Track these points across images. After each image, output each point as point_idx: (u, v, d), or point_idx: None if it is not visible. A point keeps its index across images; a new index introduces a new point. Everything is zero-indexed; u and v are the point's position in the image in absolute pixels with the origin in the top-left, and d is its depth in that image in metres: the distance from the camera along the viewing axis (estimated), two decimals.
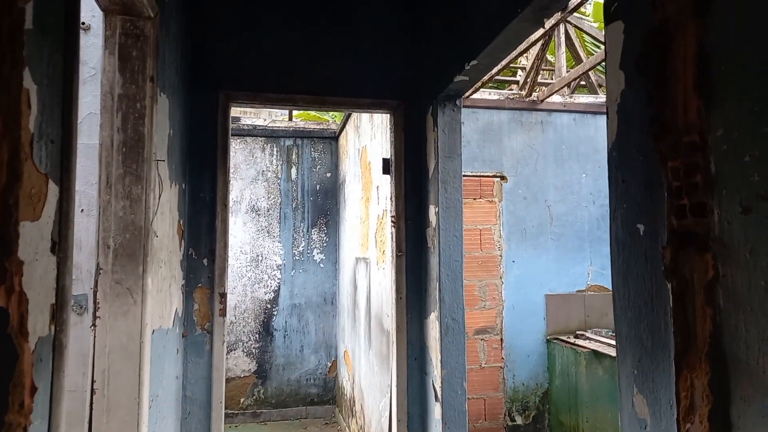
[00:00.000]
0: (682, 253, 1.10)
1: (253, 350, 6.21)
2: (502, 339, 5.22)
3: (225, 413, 6.03)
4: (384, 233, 3.99)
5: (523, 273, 5.31)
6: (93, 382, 1.69)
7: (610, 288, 4.97)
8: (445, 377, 2.69)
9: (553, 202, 5.46)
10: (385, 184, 3.98)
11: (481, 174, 5.36)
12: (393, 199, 3.00)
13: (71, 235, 1.06)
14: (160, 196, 1.98)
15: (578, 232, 5.47)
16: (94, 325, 1.71)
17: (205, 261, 2.73)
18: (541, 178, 5.45)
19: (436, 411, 2.74)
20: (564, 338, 5.18)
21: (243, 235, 6.31)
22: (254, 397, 6.17)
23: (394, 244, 2.94)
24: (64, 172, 1.05)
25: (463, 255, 2.74)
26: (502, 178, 5.38)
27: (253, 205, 6.37)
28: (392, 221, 2.99)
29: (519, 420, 5.24)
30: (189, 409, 2.66)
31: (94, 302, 1.72)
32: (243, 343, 6.19)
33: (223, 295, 2.74)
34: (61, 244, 1.02)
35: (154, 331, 1.99)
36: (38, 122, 0.94)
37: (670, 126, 1.13)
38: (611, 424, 4.75)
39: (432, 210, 2.83)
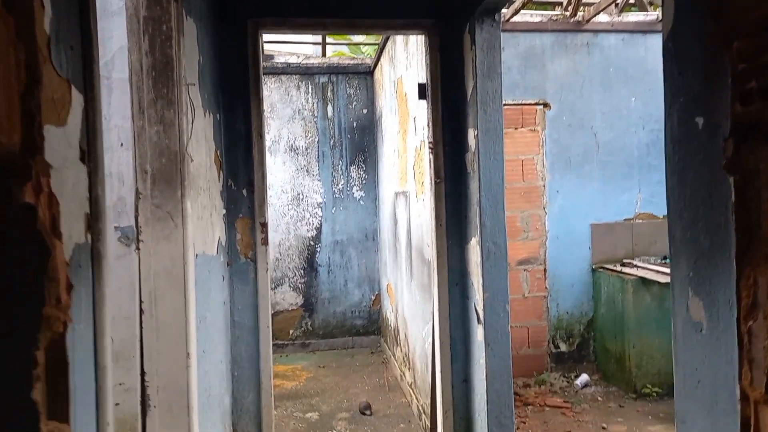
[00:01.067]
0: (747, 143, 1.00)
1: (299, 285, 6.37)
2: (545, 269, 5.17)
3: (275, 343, 6.30)
4: (422, 165, 3.92)
5: (568, 203, 5.17)
6: (141, 303, 1.74)
7: (660, 215, 4.79)
8: (487, 300, 2.67)
9: (600, 128, 5.23)
10: (422, 114, 3.88)
11: (523, 102, 5.15)
12: (430, 125, 2.91)
13: (100, 146, 1.05)
14: (193, 122, 1.96)
15: (626, 159, 5.26)
16: (137, 248, 1.74)
17: (244, 192, 2.75)
18: (587, 104, 5.21)
19: (478, 333, 2.75)
20: (610, 267, 5.08)
21: (283, 174, 6.35)
22: (302, 329, 6.39)
23: (433, 171, 2.88)
24: (87, 81, 1.02)
25: (503, 179, 2.66)
26: (545, 105, 5.17)
27: (291, 144, 6.37)
28: (430, 148, 2.92)
29: (563, 347, 5.25)
30: (238, 333, 2.74)
31: (136, 227, 1.75)
32: (289, 279, 6.35)
33: (264, 225, 2.76)
34: (90, 153, 1.01)
35: (197, 255, 2.02)
36: (54, 25, 0.90)
37: (735, 1, 1.01)
38: (658, 349, 4.70)
39: (471, 134, 2.74)
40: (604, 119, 5.21)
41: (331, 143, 6.42)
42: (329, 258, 6.42)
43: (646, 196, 5.28)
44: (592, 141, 5.20)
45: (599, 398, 4.73)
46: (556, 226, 5.16)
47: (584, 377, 5.04)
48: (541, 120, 5.14)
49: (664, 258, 5.13)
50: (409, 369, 4.71)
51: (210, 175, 2.35)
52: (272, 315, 6.38)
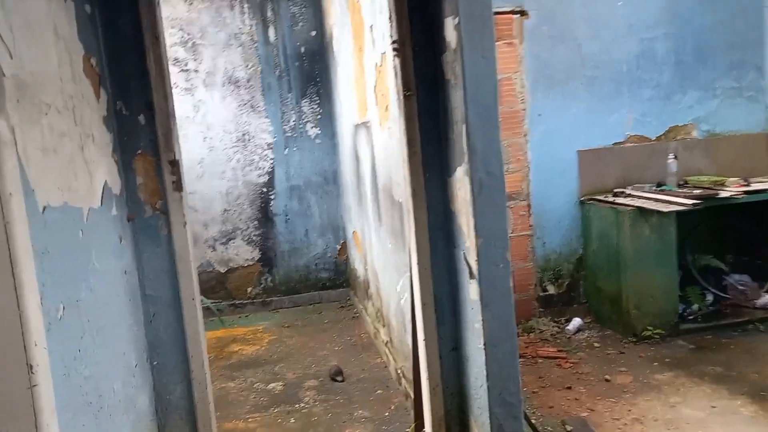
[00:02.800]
0: None
1: (254, 237, 5.66)
2: (529, 205, 4.58)
3: (233, 303, 5.65)
4: (384, 84, 3.18)
5: (551, 128, 4.54)
6: None
7: (653, 137, 4.17)
8: (481, 248, 2.03)
9: (584, 39, 4.54)
10: (380, 21, 3.11)
11: (497, 10, 4.38)
12: (393, 17, 2.17)
13: None
14: None
15: (614, 74, 4.61)
16: None
17: (141, 118, 1.98)
18: (569, 10, 4.49)
19: (471, 290, 2.12)
20: (601, 198, 4.52)
21: (224, 112, 5.50)
22: (262, 286, 5.73)
23: (400, 82, 2.16)
24: None
25: (496, 85, 1.96)
26: (522, 13, 4.43)
27: (230, 76, 5.49)
28: (394, 50, 2.18)
29: (551, 289, 4.75)
30: (153, 310, 2.05)
31: None
32: (242, 231, 5.63)
33: (174, 164, 2.02)
34: None
35: (45, 209, 1.29)
36: None
37: None
38: (659, 287, 4.22)
39: (449, 24, 2.01)
40: (588, 28, 4.52)
41: (277, 73, 5.56)
42: (286, 206, 5.69)
43: (636, 115, 4.68)
44: (576, 54, 4.52)
45: (595, 344, 4.26)
46: (540, 156, 4.54)
47: (576, 321, 4.57)
48: (519, 32, 4.41)
49: (659, 185, 4.59)
50: (383, 326, 4.13)
51: (73, 91, 1.58)
52: (226, 272, 5.72)
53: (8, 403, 1.11)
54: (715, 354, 3.92)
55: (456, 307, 2.28)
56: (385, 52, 3.11)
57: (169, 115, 2.02)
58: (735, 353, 3.90)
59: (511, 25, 4.40)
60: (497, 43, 4.35)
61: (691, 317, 4.41)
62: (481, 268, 2.05)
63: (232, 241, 5.60)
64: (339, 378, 3.87)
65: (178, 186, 2.04)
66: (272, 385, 3.90)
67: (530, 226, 4.60)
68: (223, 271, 5.60)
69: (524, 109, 4.47)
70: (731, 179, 4.49)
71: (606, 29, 4.54)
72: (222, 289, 5.60)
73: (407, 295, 3.03)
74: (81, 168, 1.58)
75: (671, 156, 4.53)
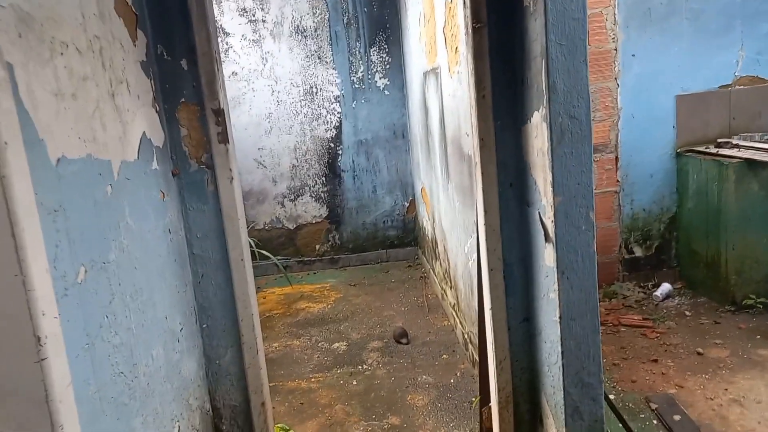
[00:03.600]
0: None
1: (322, 194, 5.56)
2: (617, 157, 4.14)
3: (301, 260, 5.63)
4: (454, 23, 2.86)
5: (647, 70, 4.02)
6: None
7: None
8: (559, 207, 1.75)
9: None
10: None
11: None
12: None
13: None
14: None
15: (725, 7, 3.99)
16: None
17: (183, 63, 1.82)
18: None
19: (546, 256, 1.86)
20: (702, 149, 4.00)
21: (291, 63, 5.33)
22: (330, 243, 5.66)
23: (469, 12, 1.86)
24: None
25: (585, 8, 1.63)
26: None
27: (297, 26, 5.28)
28: None
29: (638, 252, 4.33)
30: (201, 271, 1.95)
31: None
32: (309, 188, 5.54)
33: (219, 113, 1.86)
34: None
35: (59, 160, 1.16)
36: None
37: None
38: (765, 250, 3.71)
39: None
40: None
41: (345, 20, 5.30)
42: (353, 161, 5.53)
43: (750, 54, 4.05)
44: None
45: (686, 313, 3.85)
46: (632, 102, 4.05)
47: (666, 287, 4.15)
48: None
49: None
50: (450, 288, 3.92)
51: (101, 30, 1.43)
52: (295, 229, 5.68)
53: (15, 379, 1.01)
54: None
55: (528, 274, 2.02)
56: None
57: (213, 59, 1.85)
58: None
59: None
60: None
61: None
62: (558, 230, 1.77)
63: (300, 197, 5.52)
64: (404, 340, 3.73)
65: (224, 138, 1.88)
66: (336, 344, 3.83)
67: (617, 181, 4.17)
68: (292, 228, 5.57)
69: (615, 49, 3.98)
70: None
71: None
72: (291, 246, 5.58)
73: (475, 256, 2.80)
74: (111, 117, 1.44)
75: None
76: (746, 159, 3.59)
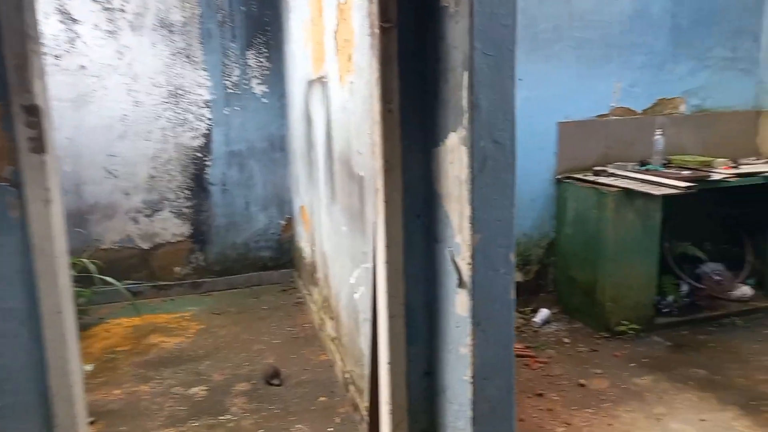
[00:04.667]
0: None
1: (185, 210, 4.91)
2: None
3: (157, 285, 4.92)
4: (349, 25, 2.53)
5: (532, 95, 4.00)
6: None
7: (639, 110, 3.69)
8: (478, 246, 1.47)
9: None
10: None
11: None
12: None
13: None
14: None
15: (605, 36, 4.11)
16: None
17: None
18: None
19: (458, 302, 1.57)
20: (580, 176, 4.06)
21: (153, 61, 4.66)
22: (193, 265, 5.01)
23: (376, 8, 1.53)
24: None
25: (516, 12, 1.38)
26: None
27: (163, 19, 4.64)
28: None
29: (519, 277, 4.28)
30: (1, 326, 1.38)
31: None
32: (170, 202, 4.86)
33: (34, 111, 1.34)
34: None
35: None
36: None
37: None
38: (638, 277, 3.81)
39: None
40: None
41: (219, 18, 4.76)
42: (224, 174, 4.96)
43: (625, 85, 4.22)
44: (564, 10, 3.98)
45: (565, 340, 3.85)
46: (518, 126, 4.00)
47: (544, 312, 4.14)
48: None
49: (643, 164, 4.17)
50: (331, 319, 3.55)
51: None
52: (150, 249, 4.94)
53: None
54: (695, 354, 3.57)
55: (435, 321, 1.72)
56: None
57: (25, 36, 1.32)
58: (716, 353, 3.57)
59: None
60: None
61: (666, 310, 4.07)
62: (475, 273, 1.49)
63: (158, 213, 4.83)
64: (275, 381, 3.28)
65: (40, 146, 1.36)
66: (194, 389, 3.26)
67: None
68: (147, 248, 4.83)
69: None
70: (719, 160, 4.11)
71: None
72: (145, 269, 4.84)
73: (363, 289, 2.46)
74: None
75: (658, 132, 4.10)
76: (624, 188, 3.66)
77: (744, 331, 3.89)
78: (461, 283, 1.54)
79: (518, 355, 3.61)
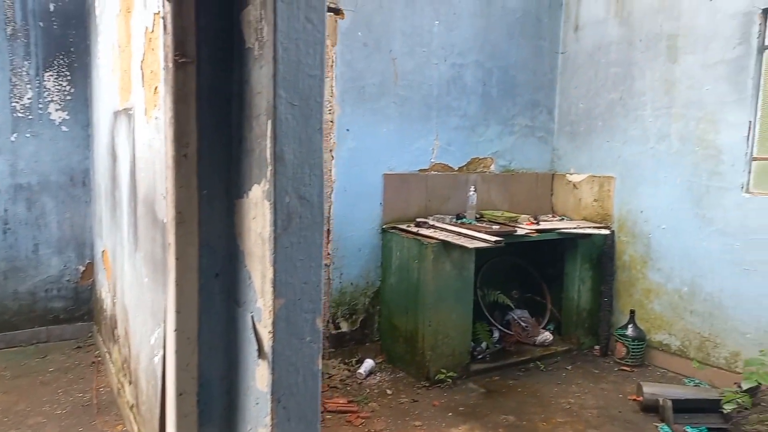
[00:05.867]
0: None
1: None
2: (329, 230, 4.00)
3: None
4: (156, 55, 2.28)
5: (360, 146, 4.05)
6: None
7: (455, 167, 3.94)
8: (280, 312, 1.32)
9: (400, 54, 4.18)
10: None
11: None
12: None
13: None
14: None
15: (426, 97, 4.33)
16: None
17: None
18: (387, 20, 4.09)
19: (258, 376, 1.39)
20: (404, 227, 4.16)
21: None
22: None
23: (170, 39, 1.34)
24: None
25: (324, 63, 1.29)
26: (338, 12, 3.88)
27: None
28: None
29: (345, 327, 4.22)
30: None
31: None
32: None
33: None
34: None
35: None
36: None
37: None
38: (454, 326, 3.95)
39: None
40: (405, 42, 4.17)
41: (9, 31, 4.12)
42: (6, 210, 4.22)
43: (442, 143, 4.47)
44: (390, 69, 4.13)
45: (388, 391, 3.82)
46: (345, 176, 4.01)
47: (369, 363, 4.09)
48: (332, 32, 3.84)
49: (459, 217, 4.42)
50: (129, 383, 3.09)
51: None
52: None
53: None
54: (505, 399, 3.76)
55: (234, 397, 1.51)
56: (159, 12, 2.22)
57: None
58: (522, 398, 3.80)
59: None
60: None
61: (480, 357, 4.27)
62: (277, 343, 1.33)
63: None
64: None
65: None
66: None
67: (328, 254, 4.02)
68: None
69: (332, 122, 3.90)
70: (523, 216, 4.51)
71: (421, 47, 4.25)
72: None
73: (162, 355, 2.15)
74: None
75: (471, 188, 4.39)
76: (442, 240, 3.81)
77: (546, 374, 4.21)
78: (261, 354, 1.37)
79: (341, 411, 3.48)
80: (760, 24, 3.66)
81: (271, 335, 1.33)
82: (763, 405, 3.20)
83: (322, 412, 3.43)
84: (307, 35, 1.26)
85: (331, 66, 3.82)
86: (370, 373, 4.06)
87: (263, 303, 1.35)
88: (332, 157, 3.92)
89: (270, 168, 1.27)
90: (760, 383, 3.24)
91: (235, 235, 1.48)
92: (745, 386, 3.29)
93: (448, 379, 3.90)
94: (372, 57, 4.01)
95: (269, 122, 1.26)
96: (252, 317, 1.41)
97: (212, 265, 1.49)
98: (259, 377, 1.39)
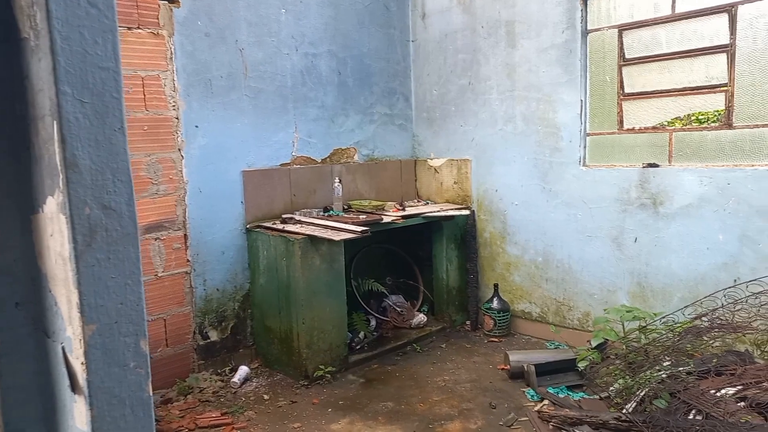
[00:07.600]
0: None
1: None
2: (186, 235, 3.75)
3: None
4: None
5: (213, 143, 3.83)
6: None
7: (319, 159, 3.90)
8: (92, 340, 1.16)
9: (247, 44, 4.00)
10: None
11: None
12: None
13: None
14: None
15: (280, 88, 4.20)
16: None
17: None
18: (230, 9, 3.89)
19: (76, 413, 1.22)
20: (269, 225, 4.01)
21: None
22: None
23: None
24: None
25: (118, 50, 1.14)
26: (172, 0, 3.61)
27: None
28: None
29: (214, 336, 3.99)
30: None
31: None
32: None
33: None
34: None
35: None
36: None
37: None
38: (329, 320, 3.90)
39: None
40: (251, 32, 4.00)
41: None
42: None
43: (303, 135, 4.37)
44: (238, 60, 3.93)
45: (265, 396, 3.68)
46: (199, 176, 3.77)
47: (243, 370, 3.92)
48: (167, 21, 3.56)
49: (326, 210, 4.36)
50: None
51: None
52: None
53: None
54: (384, 386, 3.79)
55: None
56: None
57: None
58: (401, 382, 3.85)
59: (157, 12, 3.51)
60: (139, 30, 3.42)
61: (358, 347, 4.28)
62: (92, 375, 1.17)
63: None
64: None
65: None
66: None
67: (188, 261, 3.77)
68: None
69: (177, 118, 3.63)
70: (389, 203, 4.56)
71: (270, 37, 4.09)
72: None
73: None
74: None
75: (336, 180, 4.35)
76: (308, 235, 3.72)
77: (423, 356, 4.31)
78: (76, 389, 1.20)
79: (214, 425, 3.29)
80: (581, 10, 3.99)
81: (84, 366, 1.16)
82: (611, 358, 3.52)
83: (192, 430, 3.22)
84: (92, 22, 1.10)
85: (170, 58, 3.55)
86: (246, 380, 3.89)
87: (72, 331, 1.17)
88: (182, 156, 3.66)
89: (62, 176, 1.10)
90: (606, 339, 3.57)
91: (36, 256, 1.27)
92: (594, 343, 3.60)
93: (328, 375, 3.85)
94: (217, 48, 3.79)
95: (55, 123, 1.08)
96: (63, 348, 1.23)
97: (11, 293, 1.27)
98: (77, 415, 1.21)
